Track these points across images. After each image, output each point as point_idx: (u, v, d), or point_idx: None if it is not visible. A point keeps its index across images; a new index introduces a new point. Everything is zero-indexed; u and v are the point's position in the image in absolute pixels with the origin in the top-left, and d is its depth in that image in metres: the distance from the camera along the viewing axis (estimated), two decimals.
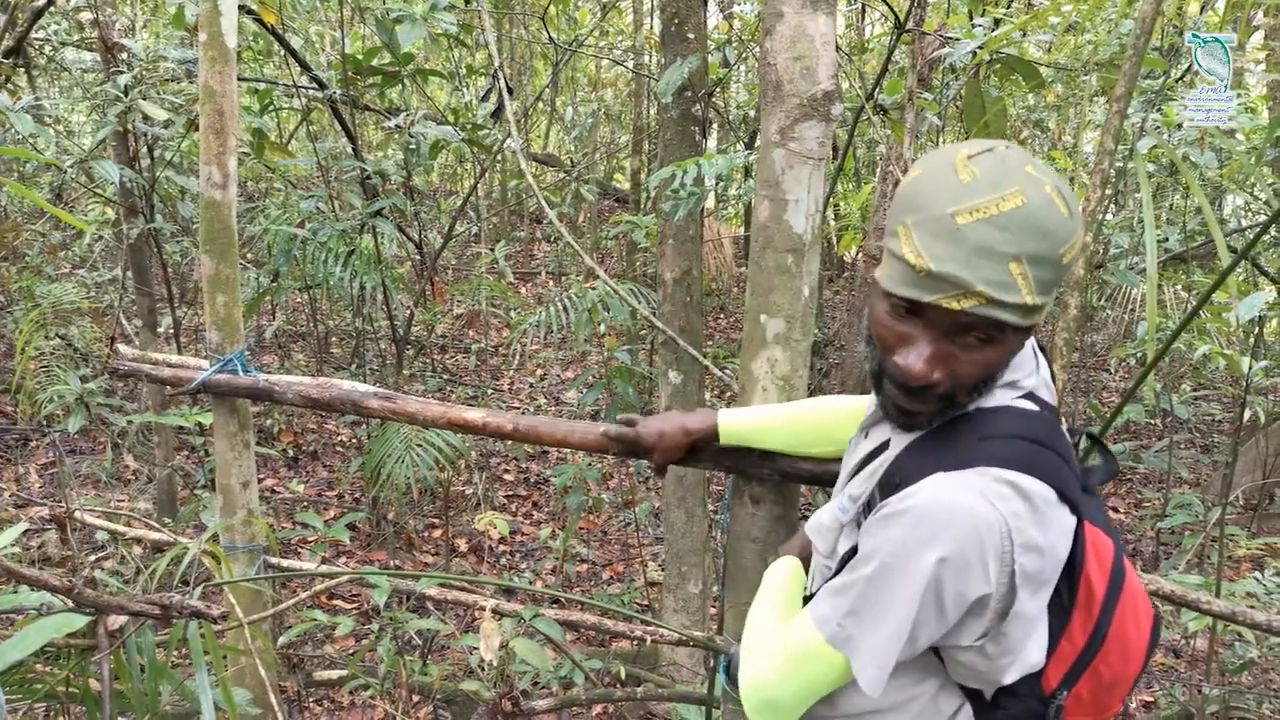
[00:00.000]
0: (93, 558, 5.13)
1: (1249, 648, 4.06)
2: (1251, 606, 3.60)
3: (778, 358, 1.82)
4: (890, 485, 1.23)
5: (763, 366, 1.83)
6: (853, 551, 1.27)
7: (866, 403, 1.58)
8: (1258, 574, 4.14)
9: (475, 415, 2.11)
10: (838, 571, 1.30)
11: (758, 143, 1.80)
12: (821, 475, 1.74)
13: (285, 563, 2.73)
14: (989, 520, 1.12)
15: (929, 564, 1.13)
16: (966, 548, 1.12)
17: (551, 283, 11.20)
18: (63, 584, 1.58)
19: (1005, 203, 1.09)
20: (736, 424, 1.76)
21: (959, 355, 1.16)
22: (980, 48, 2.85)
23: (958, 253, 1.09)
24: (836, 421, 1.69)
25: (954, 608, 1.15)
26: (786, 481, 1.82)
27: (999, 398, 1.24)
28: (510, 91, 3.13)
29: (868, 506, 1.27)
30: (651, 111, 9.95)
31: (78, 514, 2.78)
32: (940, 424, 1.25)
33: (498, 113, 4.26)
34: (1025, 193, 1.09)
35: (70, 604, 1.69)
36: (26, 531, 5.70)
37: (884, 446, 1.33)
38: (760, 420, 1.76)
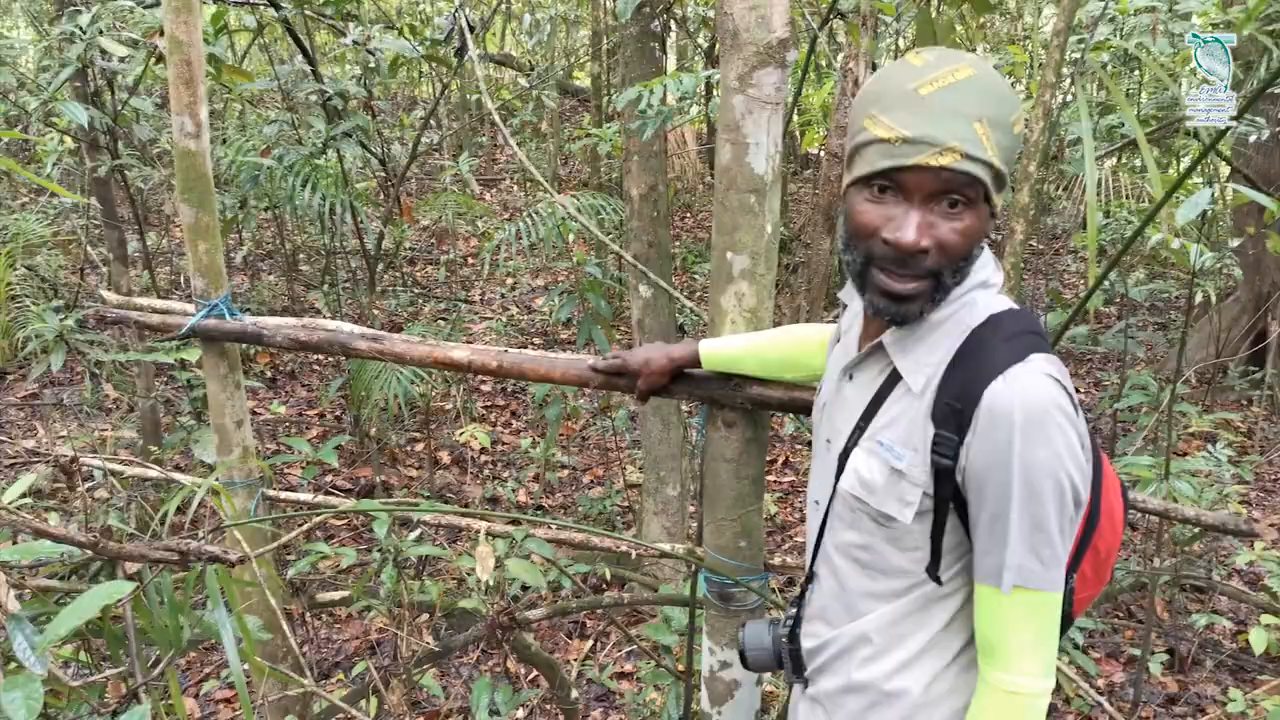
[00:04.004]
0: (84, 486, 5.23)
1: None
2: (1199, 481, 3.81)
3: (744, 292, 1.93)
4: (952, 410, 1.30)
5: (730, 300, 1.94)
6: (946, 486, 1.32)
7: (833, 332, 1.69)
8: (1210, 448, 4.34)
9: (460, 354, 2.21)
10: (939, 510, 1.35)
11: (718, 49, 1.88)
12: (790, 403, 1.88)
13: (282, 495, 2.85)
14: (1065, 402, 1.26)
15: (1053, 462, 1.23)
16: (1070, 433, 1.25)
17: (517, 188, 11.16)
18: (87, 539, 1.69)
19: (959, 73, 1.25)
20: (717, 352, 1.90)
21: (941, 223, 1.27)
22: None
23: (927, 118, 1.24)
24: (807, 349, 1.82)
25: (1082, 484, 1.28)
26: (757, 409, 1.95)
27: (990, 301, 1.36)
28: (472, 30, 3.15)
29: (937, 443, 1.32)
30: (611, 9, 9.80)
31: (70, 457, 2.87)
32: (965, 341, 1.32)
33: (460, 52, 4.25)
34: (974, 66, 1.27)
35: (91, 553, 1.81)
36: (14, 465, 5.81)
37: (893, 381, 1.40)
38: (738, 348, 1.89)
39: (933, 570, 1.37)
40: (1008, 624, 1.29)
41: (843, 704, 1.49)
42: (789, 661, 1.63)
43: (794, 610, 1.65)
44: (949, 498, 1.32)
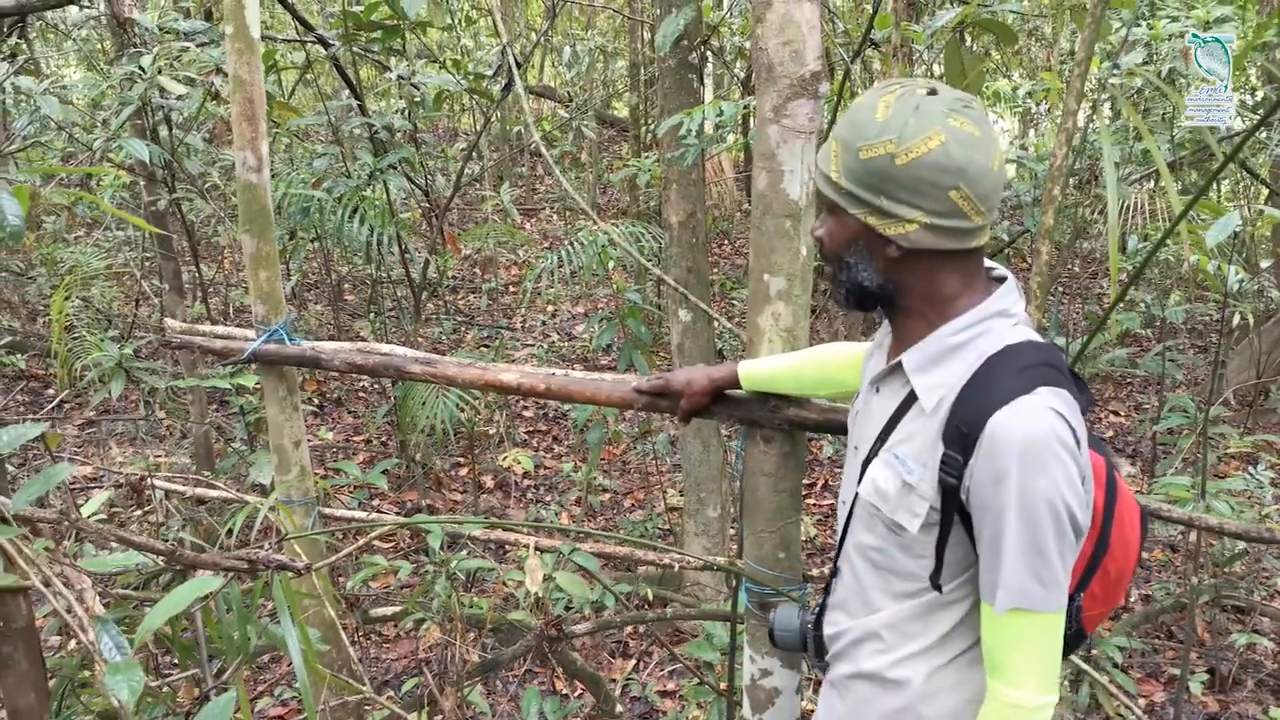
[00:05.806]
0: (139, 511, 5.39)
1: (1240, 541, 4.30)
2: (1238, 502, 3.83)
3: (781, 312, 2.02)
4: (960, 433, 1.38)
5: (768, 320, 2.03)
6: (951, 503, 1.41)
7: (865, 350, 1.78)
8: (1251, 469, 4.35)
9: (510, 377, 2.31)
10: (944, 524, 1.43)
11: (753, 80, 1.98)
12: (825, 424, 1.96)
13: (337, 513, 2.97)
14: (1066, 435, 1.33)
15: (1050, 491, 1.31)
16: (1070, 465, 1.32)
17: (556, 217, 11.33)
18: (167, 548, 1.80)
19: (860, 98, 1.44)
20: (755, 371, 1.99)
21: (820, 224, 1.52)
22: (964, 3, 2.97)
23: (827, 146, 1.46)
24: (841, 366, 1.91)
25: (1081, 513, 1.35)
26: (794, 429, 2.03)
27: (1008, 331, 1.44)
28: (519, 66, 3.27)
29: (944, 462, 1.41)
30: (648, 41, 9.97)
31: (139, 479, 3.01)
32: (979, 368, 1.40)
33: (507, 88, 4.39)
34: (875, 94, 1.40)
35: (166, 563, 1.92)
36: (72, 488, 5.98)
37: (912, 398, 1.49)
38: (775, 367, 1.98)
39: (935, 578, 1.47)
40: (1008, 642, 1.38)
41: (852, 689, 1.61)
42: (813, 646, 1.75)
43: (821, 599, 1.76)
44: (954, 513, 1.42)
